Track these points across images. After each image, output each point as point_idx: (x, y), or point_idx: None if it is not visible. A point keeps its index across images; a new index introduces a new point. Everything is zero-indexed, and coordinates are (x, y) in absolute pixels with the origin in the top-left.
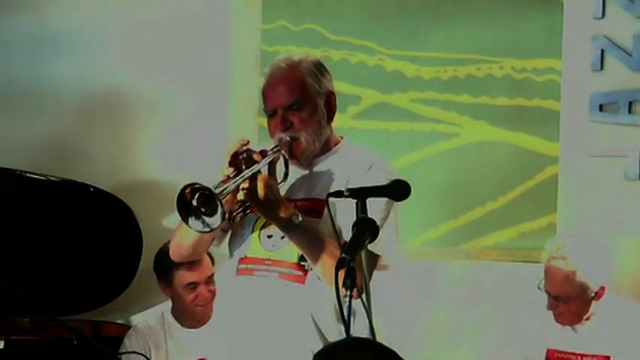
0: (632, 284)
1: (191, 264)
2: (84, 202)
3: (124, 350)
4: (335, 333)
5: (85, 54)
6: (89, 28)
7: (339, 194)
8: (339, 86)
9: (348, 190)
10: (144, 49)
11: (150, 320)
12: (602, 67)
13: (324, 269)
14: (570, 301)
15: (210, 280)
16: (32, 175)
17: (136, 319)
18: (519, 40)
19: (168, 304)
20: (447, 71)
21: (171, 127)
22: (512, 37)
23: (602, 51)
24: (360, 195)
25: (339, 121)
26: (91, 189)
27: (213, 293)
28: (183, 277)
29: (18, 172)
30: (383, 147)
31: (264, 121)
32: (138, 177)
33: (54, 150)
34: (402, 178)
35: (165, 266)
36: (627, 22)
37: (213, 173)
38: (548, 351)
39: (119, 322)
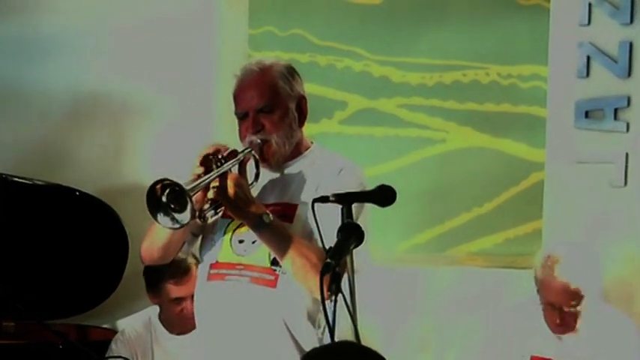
0: (617, 290)
1: (179, 279)
2: (70, 206)
3: (110, 355)
4: (307, 336)
5: (72, 58)
6: (77, 32)
7: (324, 199)
8: (325, 92)
9: (334, 195)
10: (131, 54)
11: (137, 325)
12: (587, 74)
13: (295, 269)
14: (567, 310)
15: None
16: (18, 179)
17: (122, 324)
18: (505, 47)
19: (156, 308)
20: (433, 77)
21: (158, 131)
22: (499, 43)
23: (588, 57)
24: (346, 200)
25: (326, 127)
26: (77, 193)
27: None
28: (171, 291)
29: (3, 176)
30: (369, 152)
31: None
32: (124, 181)
33: (40, 153)
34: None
35: (153, 277)
36: (613, 29)
37: None
38: (532, 358)
39: (105, 326)
